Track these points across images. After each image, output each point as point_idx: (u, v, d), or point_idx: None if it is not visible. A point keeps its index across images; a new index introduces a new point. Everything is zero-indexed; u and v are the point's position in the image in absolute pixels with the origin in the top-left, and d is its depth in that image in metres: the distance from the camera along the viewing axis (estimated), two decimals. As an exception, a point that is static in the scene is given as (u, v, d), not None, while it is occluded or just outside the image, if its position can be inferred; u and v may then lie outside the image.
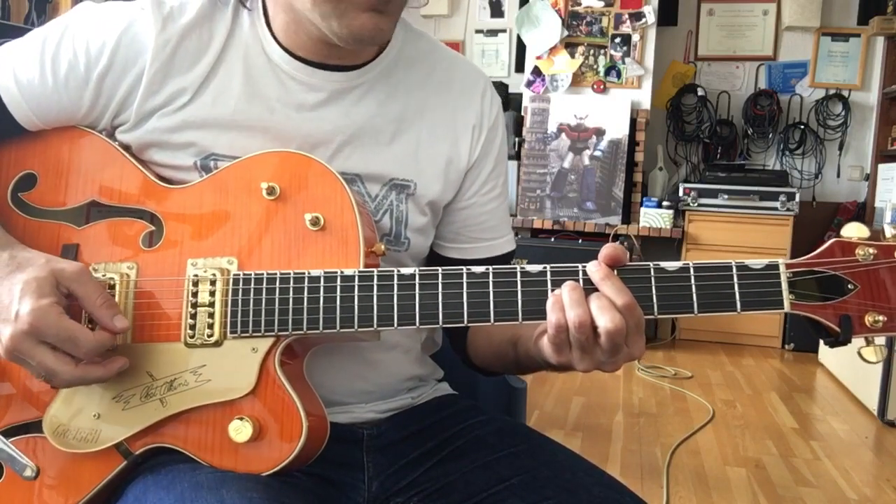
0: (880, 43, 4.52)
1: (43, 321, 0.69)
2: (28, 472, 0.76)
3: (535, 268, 0.73)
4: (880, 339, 0.73)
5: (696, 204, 4.23)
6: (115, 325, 0.73)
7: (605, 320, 0.69)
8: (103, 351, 0.73)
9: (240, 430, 0.73)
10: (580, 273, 0.72)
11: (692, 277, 0.72)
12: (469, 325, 0.74)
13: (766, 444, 2.72)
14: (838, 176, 4.67)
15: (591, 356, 0.71)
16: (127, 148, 0.84)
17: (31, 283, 0.70)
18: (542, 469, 0.83)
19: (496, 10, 4.98)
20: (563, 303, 0.70)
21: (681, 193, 4.28)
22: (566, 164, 4.34)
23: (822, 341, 0.74)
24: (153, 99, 0.82)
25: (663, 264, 0.72)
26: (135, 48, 0.81)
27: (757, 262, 0.72)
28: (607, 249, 0.72)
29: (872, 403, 3.05)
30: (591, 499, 0.79)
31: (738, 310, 0.71)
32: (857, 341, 0.72)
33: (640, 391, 3.32)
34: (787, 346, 4.21)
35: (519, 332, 0.85)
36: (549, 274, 0.73)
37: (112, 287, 0.78)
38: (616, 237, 4.21)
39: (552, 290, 0.72)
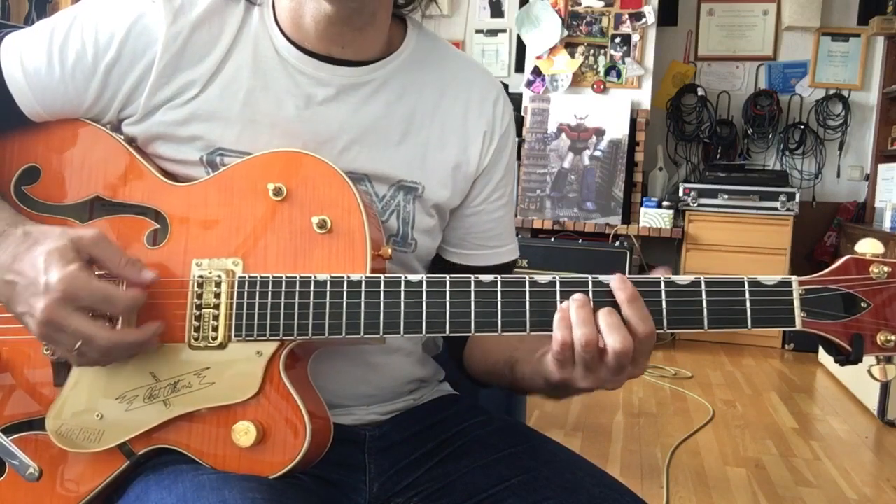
0: (880, 43, 4.52)
1: (75, 285, 0.68)
2: (31, 473, 0.76)
3: (544, 278, 0.72)
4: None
5: (696, 204, 4.23)
6: (145, 278, 0.73)
7: (613, 340, 0.67)
8: (138, 307, 0.73)
9: (243, 434, 0.73)
10: (590, 284, 0.71)
11: (703, 292, 0.70)
12: (476, 334, 0.73)
13: (766, 444, 2.72)
14: (838, 176, 4.67)
15: (595, 374, 0.70)
16: (132, 141, 0.84)
17: (53, 253, 0.70)
18: (542, 469, 0.83)
19: (496, 10, 4.97)
20: (570, 319, 0.69)
21: (681, 193, 4.28)
22: (566, 164, 4.34)
23: (832, 358, 0.72)
24: (162, 92, 0.81)
25: (674, 278, 0.71)
26: (144, 40, 0.80)
27: (769, 279, 0.70)
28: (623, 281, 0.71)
29: (872, 403, 3.05)
30: (592, 499, 0.79)
31: (749, 326, 0.70)
32: (868, 359, 0.71)
33: (640, 391, 3.32)
34: (787, 347, 4.21)
35: (516, 354, 0.83)
36: (558, 285, 0.72)
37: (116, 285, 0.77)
38: (616, 237, 4.21)
39: (561, 302, 0.71)
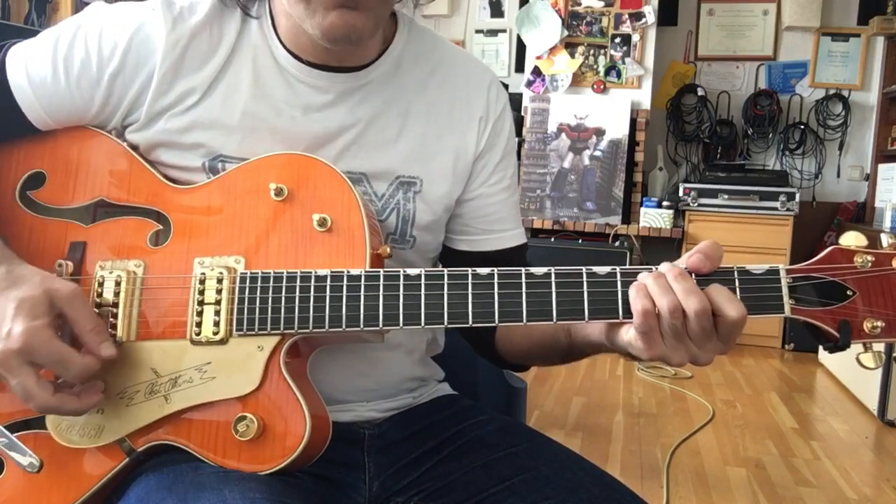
0: (880, 43, 4.52)
1: (35, 341, 0.69)
2: (31, 464, 0.76)
3: (539, 270, 0.74)
4: (878, 346, 0.73)
5: (696, 204, 4.23)
6: (102, 352, 0.73)
7: (692, 302, 0.68)
8: (89, 376, 0.72)
9: (244, 428, 0.73)
10: (584, 276, 0.73)
11: (694, 282, 0.71)
12: (473, 325, 0.74)
13: (766, 444, 2.72)
14: (838, 176, 4.67)
15: (685, 345, 0.71)
16: (135, 148, 0.85)
17: (25, 302, 0.70)
18: (542, 469, 0.83)
19: (496, 10, 4.98)
20: (646, 290, 0.70)
21: (681, 193, 4.28)
22: (566, 164, 4.34)
23: (821, 347, 0.74)
24: (163, 98, 0.82)
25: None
26: (146, 48, 0.82)
27: (758, 267, 0.72)
28: (695, 253, 0.72)
29: (872, 403, 3.05)
30: (592, 498, 0.79)
31: None
32: (856, 347, 0.73)
33: (640, 391, 3.32)
34: (787, 347, 4.21)
35: None
36: (553, 276, 0.73)
37: (118, 284, 0.78)
38: (616, 237, 4.21)
39: (557, 292, 0.72)
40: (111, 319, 0.78)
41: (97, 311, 0.78)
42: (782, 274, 0.72)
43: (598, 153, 4.29)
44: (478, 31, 4.99)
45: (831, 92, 4.62)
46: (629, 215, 4.34)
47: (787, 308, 0.71)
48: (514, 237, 0.97)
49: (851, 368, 3.39)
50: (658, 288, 0.70)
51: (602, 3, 4.35)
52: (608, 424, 2.86)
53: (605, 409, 3.03)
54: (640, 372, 3.60)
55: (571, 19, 4.38)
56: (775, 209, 4.15)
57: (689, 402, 3.19)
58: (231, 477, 0.72)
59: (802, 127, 4.62)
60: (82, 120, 0.84)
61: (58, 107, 0.83)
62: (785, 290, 0.72)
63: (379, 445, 0.89)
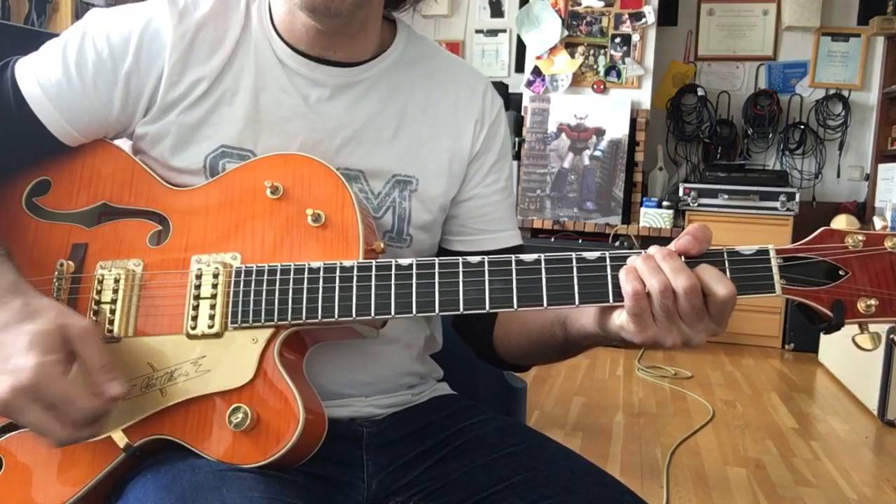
0: (880, 43, 4.52)
1: (43, 379, 0.67)
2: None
3: (529, 257, 0.75)
4: (875, 327, 0.72)
5: (696, 204, 4.23)
6: (108, 391, 0.70)
7: (681, 280, 0.69)
8: (96, 416, 0.70)
9: (237, 419, 0.74)
10: (573, 262, 0.74)
11: (683, 261, 0.72)
12: (465, 312, 0.74)
13: (766, 444, 2.72)
14: (838, 176, 4.67)
15: (676, 326, 0.70)
16: (142, 138, 0.85)
17: (39, 336, 0.68)
18: (541, 468, 0.83)
19: (496, 10, 4.98)
20: (636, 272, 0.70)
21: (681, 193, 4.28)
22: (566, 164, 4.34)
23: (821, 334, 0.73)
24: (174, 89, 0.84)
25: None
26: (157, 44, 0.83)
27: (747, 249, 0.72)
28: (684, 235, 0.72)
29: (872, 403, 3.05)
30: (591, 498, 0.79)
31: None
32: (852, 329, 0.72)
33: (640, 391, 3.32)
34: (787, 346, 4.21)
35: (565, 311, 0.84)
36: (543, 263, 0.74)
37: (117, 282, 0.80)
38: (616, 237, 4.21)
39: (547, 278, 0.73)
40: (109, 315, 0.79)
41: (96, 308, 0.79)
42: (772, 254, 0.71)
43: (598, 153, 4.29)
44: (478, 31, 4.99)
45: (831, 92, 4.62)
46: (629, 215, 4.34)
47: (777, 287, 0.71)
48: (510, 238, 0.98)
49: (851, 368, 3.39)
50: (647, 269, 0.70)
51: (602, 3, 4.35)
52: (608, 424, 2.86)
53: (605, 409, 3.03)
54: (640, 372, 3.60)
55: (571, 19, 4.38)
56: (775, 209, 4.15)
57: (689, 402, 3.19)
58: (229, 477, 0.72)
59: (802, 127, 4.62)
60: (104, 122, 0.85)
61: (78, 114, 0.83)
62: (775, 270, 0.71)
63: (378, 443, 0.89)
